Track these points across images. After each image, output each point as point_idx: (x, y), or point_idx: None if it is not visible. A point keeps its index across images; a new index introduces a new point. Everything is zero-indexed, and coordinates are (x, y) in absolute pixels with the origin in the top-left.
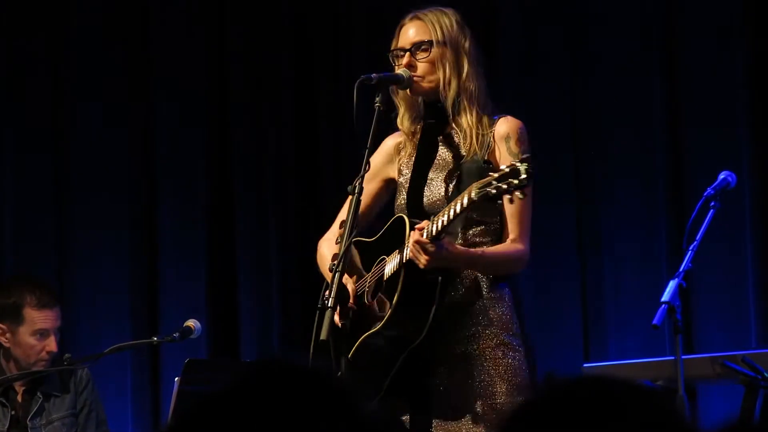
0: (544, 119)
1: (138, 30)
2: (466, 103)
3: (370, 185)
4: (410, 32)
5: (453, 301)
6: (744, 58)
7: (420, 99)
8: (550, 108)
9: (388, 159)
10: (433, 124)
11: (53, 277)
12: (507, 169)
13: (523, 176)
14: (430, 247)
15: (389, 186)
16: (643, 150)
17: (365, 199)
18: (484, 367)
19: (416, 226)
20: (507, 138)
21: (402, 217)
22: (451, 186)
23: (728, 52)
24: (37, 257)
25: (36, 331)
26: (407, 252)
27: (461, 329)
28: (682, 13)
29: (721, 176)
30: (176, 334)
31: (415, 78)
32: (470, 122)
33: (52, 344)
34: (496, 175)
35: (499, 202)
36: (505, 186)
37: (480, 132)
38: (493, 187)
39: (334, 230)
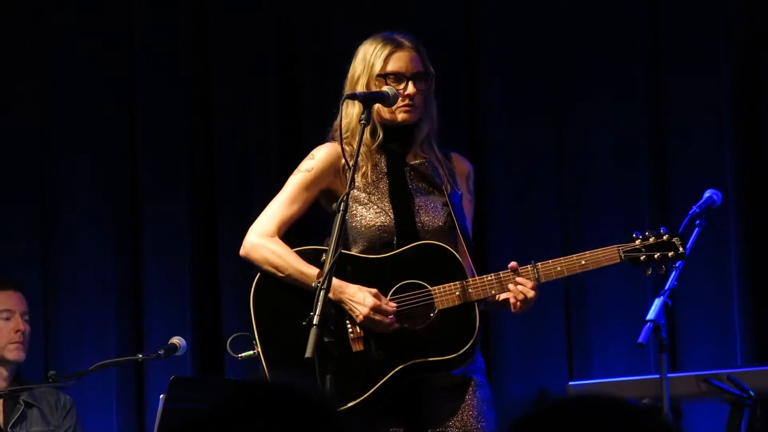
0: (528, 136)
1: (123, 28)
2: (432, 136)
3: (308, 192)
4: (411, 60)
5: None
6: (729, 77)
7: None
8: (535, 123)
9: (333, 170)
10: (397, 150)
11: (37, 293)
12: (660, 240)
13: (681, 251)
14: (534, 293)
15: (324, 196)
16: (628, 166)
17: (300, 206)
18: (470, 396)
19: (515, 266)
20: (467, 177)
21: (447, 249)
22: (446, 216)
23: (713, 70)
24: (21, 274)
25: (1, 312)
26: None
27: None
28: (668, 30)
29: (707, 194)
30: (161, 351)
31: (410, 105)
32: (439, 156)
33: (19, 323)
34: (642, 242)
35: (643, 268)
36: (658, 256)
37: (448, 167)
38: (643, 254)
39: (265, 227)
